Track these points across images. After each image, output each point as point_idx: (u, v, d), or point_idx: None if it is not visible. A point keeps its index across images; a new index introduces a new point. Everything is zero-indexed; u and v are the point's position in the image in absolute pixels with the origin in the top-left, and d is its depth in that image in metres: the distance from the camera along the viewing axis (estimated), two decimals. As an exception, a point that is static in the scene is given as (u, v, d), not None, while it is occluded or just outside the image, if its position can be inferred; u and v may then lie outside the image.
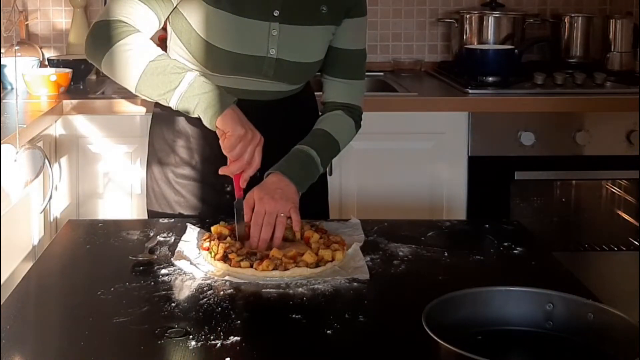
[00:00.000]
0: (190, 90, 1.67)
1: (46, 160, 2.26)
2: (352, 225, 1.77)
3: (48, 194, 2.51)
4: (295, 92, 1.95)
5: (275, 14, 1.79)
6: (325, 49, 1.89)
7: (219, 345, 1.22)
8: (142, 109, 2.70)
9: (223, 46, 1.79)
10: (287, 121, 1.94)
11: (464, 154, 2.78)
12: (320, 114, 1.95)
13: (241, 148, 1.66)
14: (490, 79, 2.92)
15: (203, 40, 1.79)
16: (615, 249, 2.90)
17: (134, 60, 1.68)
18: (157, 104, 1.91)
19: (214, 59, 1.80)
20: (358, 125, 1.94)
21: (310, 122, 2.02)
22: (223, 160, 1.70)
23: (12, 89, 2.88)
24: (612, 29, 3.19)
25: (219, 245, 1.57)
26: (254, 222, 1.63)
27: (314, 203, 1.92)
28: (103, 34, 1.70)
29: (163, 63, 1.69)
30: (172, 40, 1.89)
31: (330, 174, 2.32)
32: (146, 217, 2.04)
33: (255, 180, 1.72)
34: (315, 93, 2.10)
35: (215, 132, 1.72)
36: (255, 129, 1.69)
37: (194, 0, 1.78)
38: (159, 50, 1.72)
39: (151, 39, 1.75)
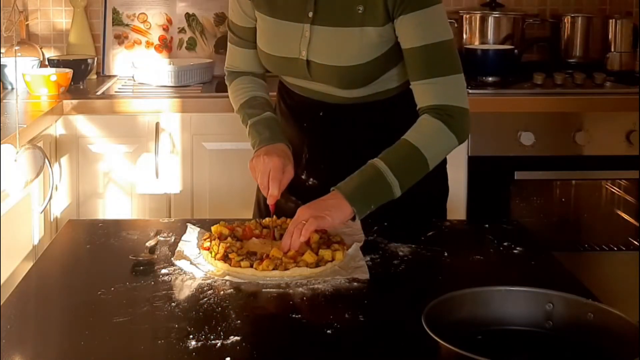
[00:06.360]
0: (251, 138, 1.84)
1: (46, 160, 2.26)
2: (352, 225, 1.77)
3: (48, 194, 2.51)
4: (385, 98, 1.85)
5: (310, 15, 1.76)
6: (370, 52, 1.76)
7: (219, 345, 1.23)
8: (142, 109, 2.71)
9: (265, 49, 1.84)
10: (372, 126, 1.87)
11: (464, 154, 2.77)
12: None
13: (257, 176, 1.75)
14: (490, 79, 2.92)
15: (256, 44, 1.87)
16: (615, 249, 2.89)
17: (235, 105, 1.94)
18: None
19: (264, 61, 1.88)
20: (452, 127, 1.69)
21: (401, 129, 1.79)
22: None
23: (12, 89, 2.87)
24: (611, 29, 3.19)
25: (219, 245, 1.57)
26: (287, 230, 1.62)
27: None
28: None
29: (241, 113, 1.90)
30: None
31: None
32: (146, 217, 2.04)
33: (306, 189, 1.80)
34: None
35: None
36: (272, 158, 1.73)
37: (254, 6, 1.83)
38: (244, 96, 1.90)
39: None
